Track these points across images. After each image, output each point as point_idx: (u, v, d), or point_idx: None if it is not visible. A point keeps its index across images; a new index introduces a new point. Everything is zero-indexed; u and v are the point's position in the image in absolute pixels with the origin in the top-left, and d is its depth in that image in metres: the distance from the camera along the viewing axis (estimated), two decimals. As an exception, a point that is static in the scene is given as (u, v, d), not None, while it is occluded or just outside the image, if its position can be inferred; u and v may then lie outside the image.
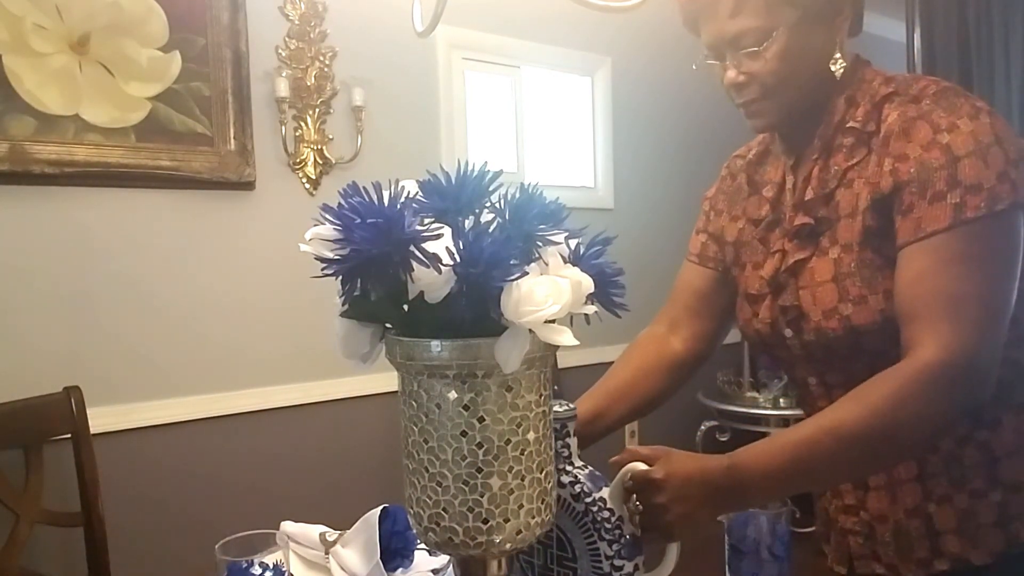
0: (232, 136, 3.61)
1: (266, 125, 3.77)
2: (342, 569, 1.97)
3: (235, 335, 3.75)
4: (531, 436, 1.32)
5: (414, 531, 1.40)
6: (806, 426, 1.60)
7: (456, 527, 1.31)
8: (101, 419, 3.24)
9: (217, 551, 1.50)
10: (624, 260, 1.40)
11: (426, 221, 1.23)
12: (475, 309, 1.20)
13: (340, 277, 1.22)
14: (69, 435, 2.86)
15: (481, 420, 1.28)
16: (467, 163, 1.29)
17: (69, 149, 3.23)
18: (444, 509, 1.31)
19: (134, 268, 3.46)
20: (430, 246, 1.17)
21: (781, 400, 4.94)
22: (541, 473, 1.36)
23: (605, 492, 1.64)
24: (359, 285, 1.25)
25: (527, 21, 4.70)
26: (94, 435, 2.92)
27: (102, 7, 3.31)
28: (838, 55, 1.80)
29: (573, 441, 1.71)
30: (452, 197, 1.27)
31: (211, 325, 3.68)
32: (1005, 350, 1.59)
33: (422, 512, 1.34)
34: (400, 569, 1.96)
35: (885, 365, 1.58)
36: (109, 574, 2.86)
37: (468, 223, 1.25)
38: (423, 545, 1.64)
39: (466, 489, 1.29)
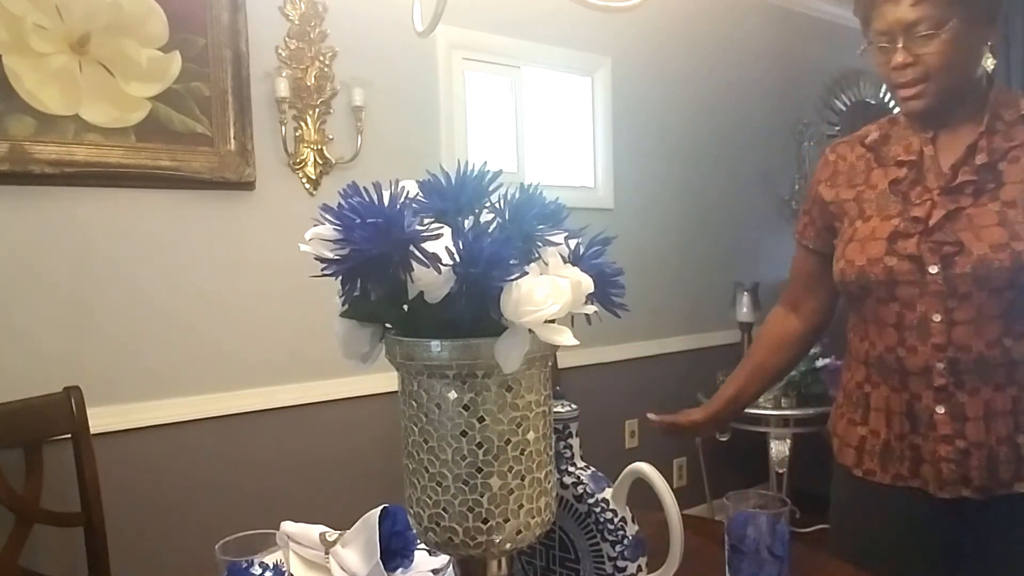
0: (232, 136, 3.61)
1: (266, 125, 3.78)
2: (342, 569, 1.97)
3: (235, 335, 3.75)
4: (531, 436, 1.32)
5: (414, 531, 1.40)
6: None
7: (456, 527, 1.31)
8: (101, 419, 3.25)
9: (217, 551, 1.50)
10: (624, 260, 1.40)
11: (426, 221, 1.23)
12: (475, 309, 1.20)
13: (340, 277, 1.22)
14: (69, 435, 2.85)
15: (481, 420, 1.27)
16: (467, 163, 1.29)
17: (69, 149, 3.24)
18: (444, 509, 1.31)
19: (134, 268, 3.47)
20: (430, 246, 1.17)
21: (782, 400, 4.94)
22: (541, 473, 1.36)
23: (608, 493, 1.64)
24: (359, 285, 1.25)
25: (527, 21, 4.71)
26: (94, 435, 2.92)
27: (102, 7, 3.31)
28: (989, 55, 2.18)
29: (575, 442, 1.71)
30: (452, 197, 1.27)
31: (211, 325, 3.68)
32: None
33: (422, 512, 1.34)
34: (400, 569, 1.96)
35: (1022, 302, 2.00)
36: (109, 574, 2.86)
37: (468, 223, 1.25)
38: (423, 545, 1.64)
39: (466, 489, 1.29)
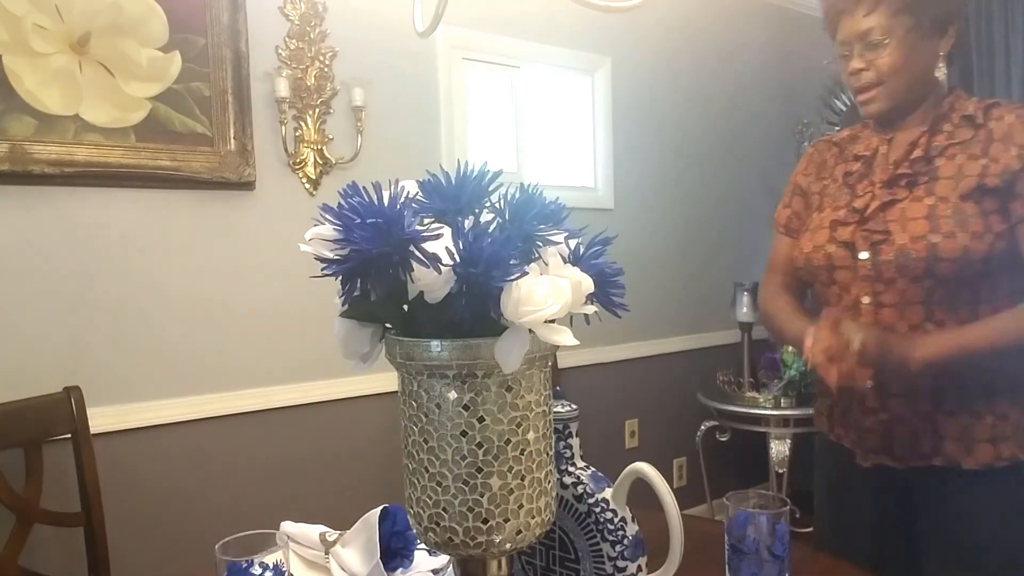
0: (232, 136, 3.61)
1: (266, 125, 3.78)
2: (342, 569, 1.97)
3: (235, 335, 3.75)
4: (531, 436, 1.32)
5: (414, 531, 1.40)
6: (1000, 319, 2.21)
7: (456, 527, 1.31)
8: (101, 419, 3.25)
9: (217, 551, 1.50)
10: (624, 260, 1.41)
11: (426, 221, 1.23)
12: (475, 309, 1.20)
13: (340, 277, 1.23)
14: (69, 435, 2.85)
15: (481, 420, 1.28)
16: (467, 163, 1.29)
17: (69, 149, 3.24)
18: (444, 509, 1.31)
19: (134, 268, 3.47)
20: (430, 246, 1.17)
21: (782, 400, 4.94)
22: (541, 473, 1.36)
23: (608, 493, 1.65)
24: (359, 285, 1.25)
25: (527, 21, 4.71)
26: (94, 435, 2.92)
27: (102, 7, 3.31)
28: (942, 64, 2.38)
29: (575, 442, 1.71)
30: (452, 197, 1.27)
31: (211, 325, 3.68)
32: None
33: (422, 512, 1.34)
34: (400, 569, 1.96)
35: (944, 291, 2.20)
36: (109, 574, 2.86)
37: (468, 223, 1.24)
38: (423, 545, 1.64)
39: (466, 489, 1.29)
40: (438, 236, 1.19)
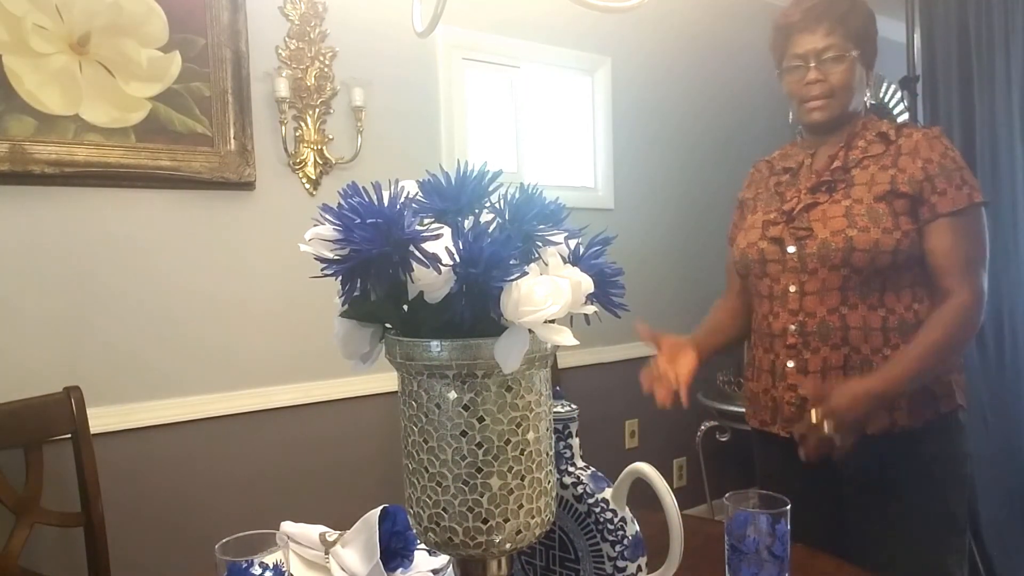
0: (232, 136, 3.62)
1: (266, 125, 3.78)
2: (342, 569, 1.97)
3: (235, 335, 3.75)
4: (531, 436, 1.32)
5: (414, 531, 1.40)
6: (913, 349, 2.45)
7: (456, 527, 1.31)
8: (101, 419, 3.26)
9: (217, 551, 1.50)
10: (624, 260, 1.41)
11: (426, 221, 1.23)
12: (475, 309, 1.20)
13: (340, 277, 1.22)
14: (69, 435, 2.85)
15: (481, 420, 1.27)
16: (467, 163, 1.29)
17: (69, 149, 3.24)
18: (444, 509, 1.31)
19: (134, 268, 3.47)
20: (430, 246, 1.17)
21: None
22: (541, 473, 1.36)
23: (608, 493, 1.65)
24: (359, 285, 1.25)
25: (527, 21, 4.71)
26: (94, 435, 2.92)
27: (102, 7, 3.31)
28: (868, 91, 2.73)
29: (575, 442, 1.71)
30: (452, 197, 1.27)
31: (211, 325, 3.68)
32: (914, 303, 2.58)
33: (422, 512, 1.34)
34: (400, 569, 1.96)
35: (858, 279, 2.52)
36: (109, 574, 2.86)
37: (468, 223, 1.24)
38: (423, 545, 1.64)
39: (466, 489, 1.29)
40: (438, 236, 1.19)
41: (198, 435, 3.66)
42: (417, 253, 1.16)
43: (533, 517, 1.35)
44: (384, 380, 4.01)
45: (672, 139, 5.56)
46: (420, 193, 1.29)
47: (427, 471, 1.31)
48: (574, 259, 1.32)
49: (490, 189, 1.29)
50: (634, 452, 5.40)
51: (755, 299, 2.85)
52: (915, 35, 5.16)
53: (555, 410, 1.63)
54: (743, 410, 5.01)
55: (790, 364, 2.65)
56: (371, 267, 1.19)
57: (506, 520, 1.31)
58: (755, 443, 2.99)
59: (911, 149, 2.56)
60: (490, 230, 1.22)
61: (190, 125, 3.52)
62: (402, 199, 1.20)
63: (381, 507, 1.95)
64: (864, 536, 2.65)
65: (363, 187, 1.21)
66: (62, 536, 3.07)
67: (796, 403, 2.63)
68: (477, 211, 1.28)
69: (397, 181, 1.25)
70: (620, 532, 1.60)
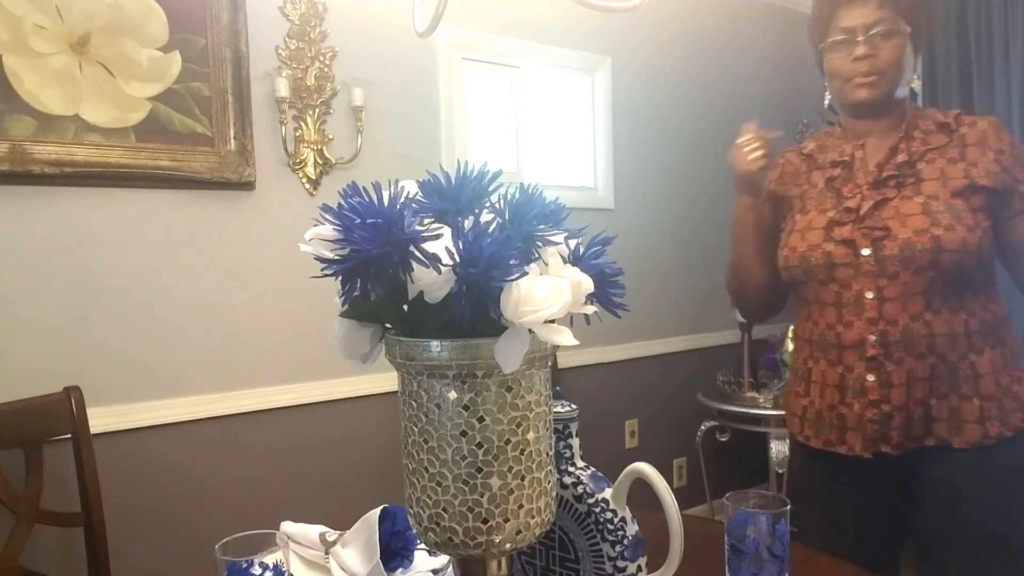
0: (232, 136, 3.62)
1: (266, 125, 3.78)
2: (342, 569, 1.97)
3: (235, 335, 3.75)
4: (531, 436, 1.32)
5: (414, 531, 1.40)
6: None
7: (456, 527, 1.31)
8: (101, 419, 3.26)
9: (217, 551, 1.50)
10: (624, 260, 1.41)
11: (426, 221, 1.23)
12: (475, 309, 1.20)
13: (340, 277, 1.22)
14: (69, 435, 2.86)
15: (481, 420, 1.27)
16: (467, 163, 1.29)
17: (69, 149, 3.24)
18: (444, 509, 1.31)
19: (134, 268, 3.47)
20: (430, 246, 1.17)
21: (781, 400, 4.94)
22: (541, 473, 1.36)
23: (608, 493, 1.65)
24: (359, 285, 1.25)
25: (527, 21, 4.71)
26: (94, 435, 2.92)
27: (102, 7, 3.32)
28: (916, 77, 2.58)
29: (575, 442, 1.71)
30: (452, 197, 1.27)
31: (211, 325, 3.68)
32: (988, 303, 2.43)
33: (422, 512, 1.34)
34: (400, 569, 1.96)
35: (942, 281, 2.33)
36: (109, 574, 2.86)
37: (468, 223, 1.24)
38: (423, 545, 1.64)
39: (466, 489, 1.29)
40: (438, 236, 1.19)
41: (198, 435, 3.66)
42: (417, 253, 1.16)
43: (533, 517, 1.35)
44: (384, 380, 4.02)
45: (672, 139, 5.56)
46: (420, 193, 1.29)
47: (427, 471, 1.31)
48: (574, 259, 1.33)
49: (490, 189, 1.29)
50: (634, 452, 5.40)
51: (812, 307, 2.60)
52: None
53: (555, 410, 1.63)
54: (743, 410, 5.04)
55: (871, 378, 2.41)
56: (371, 267, 1.19)
57: (506, 520, 1.31)
58: (805, 463, 2.73)
59: (978, 139, 2.41)
60: (490, 230, 1.22)
61: (190, 125, 3.53)
62: (402, 199, 1.20)
63: (381, 507, 1.95)
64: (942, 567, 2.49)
65: (363, 187, 1.21)
66: (62, 536, 3.07)
67: (879, 420, 2.42)
68: (477, 211, 1.28)
69: (397, 181, 1.25)
70: (620, 532, 1.60)
